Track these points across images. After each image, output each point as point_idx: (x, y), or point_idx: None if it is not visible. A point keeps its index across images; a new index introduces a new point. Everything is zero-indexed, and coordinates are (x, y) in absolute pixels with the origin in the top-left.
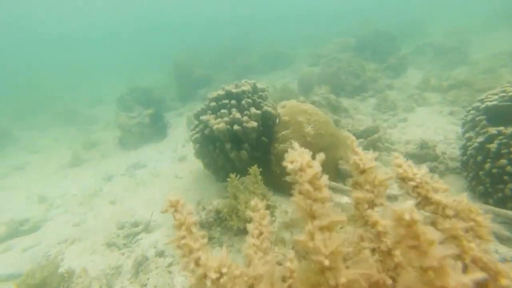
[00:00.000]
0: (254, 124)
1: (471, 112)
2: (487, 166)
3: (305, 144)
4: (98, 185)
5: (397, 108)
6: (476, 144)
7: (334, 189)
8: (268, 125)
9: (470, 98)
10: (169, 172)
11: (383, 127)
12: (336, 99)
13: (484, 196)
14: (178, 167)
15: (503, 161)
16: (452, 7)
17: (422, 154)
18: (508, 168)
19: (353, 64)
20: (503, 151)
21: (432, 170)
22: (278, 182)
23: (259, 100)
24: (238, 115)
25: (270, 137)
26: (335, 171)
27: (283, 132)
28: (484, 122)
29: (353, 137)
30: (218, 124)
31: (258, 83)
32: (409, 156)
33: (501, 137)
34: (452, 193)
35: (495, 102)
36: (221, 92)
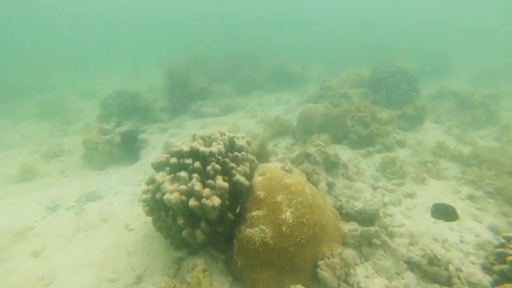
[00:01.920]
0: (215, 202)
1: (498, 258)
2: None
3: (279, 236)
4: (35, 218)
5: (405, 176)
6: None
7: None
8: (238, 197)
9: (498, 184)
10: (122, 217)
11: (382, 208)
12: (336, 155)
13: None
14: (135, 212)
15: None
16: (486, 44)
17: (431, 272)
18: None
19: (362, 109)
20: None
21: None
22: (238, 274)
23: (231, 164)
24: (198, 187)
25: (238, 213)
26: (312, 274)
27: (253, 213)
28: None
29: None
30: (171, 193)
31: (238, 139)
32: (413, 267)
33: None
34: None
35: None
36: (185, 148)
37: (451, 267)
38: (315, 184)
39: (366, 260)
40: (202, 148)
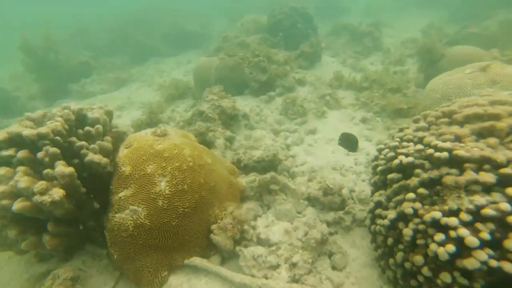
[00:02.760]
0: (57, 195)
1: (382, 159)
2: (399, 256)
3: (156, 213)
4: None
5: (306, 114)
6: (387, 222)
7: (199, 271)
8: (105, 180)
9: (383, 102)
10: None
11: (285, 150)
12: (233, 107)
13: (392, 284)
14: None
15: (419, 259)
16: None
17: (326, 202)
18: (425, 269)
19: (258, 53)
20: (418, 242)
21: (336, 223)
22: (119, 268)
23: (80, 143)
24: (24, 183)
25: (103, 199)
26: (208, 241)
27: (120, 194)
28: (397, 187)
29: None
30: None
31: (92, 110)
32: (312, 201)
33: (417, 221)
34: None
35: (411, 159)
36: (3, 135)
37: (344, 192)
38: (211, 142)
39: (269, 208)
40: (26, 132)
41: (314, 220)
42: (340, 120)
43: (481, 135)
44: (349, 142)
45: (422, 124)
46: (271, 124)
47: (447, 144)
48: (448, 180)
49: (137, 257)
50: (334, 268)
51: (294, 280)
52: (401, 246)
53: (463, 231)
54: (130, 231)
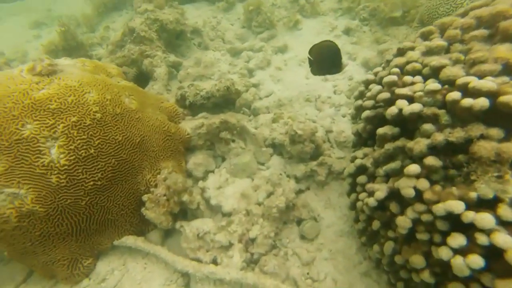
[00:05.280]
0: None
1: (369, 98)
2: (388, 247)
3: (50, 193)
4: None
5: (274, 26)
6: (372, 202)
7: (136, 251)
8: None
9: (371, 5)
10: None
11: (245, 77)
12: (177, 20)
13: (375, 263)
14: None
15: (418, 260)
16: None
17: (295, 152)
18: (425, 274)
19: None
20: (419, 236)
21: (307, 177)
22: (24, 264)
23: None
24: None
25: None
26: (139, 214)
27: None
28: (391, 149)
29: None
30: None
31: None
32: (277, 148)
33: (421, 209)
34: None
35: (417, 108)
36: None
37: (317, 135)
38: (148, 72)
39: (224, 160)
40: None
41: (279, 176)
42: (317, 32)
43: None
44: (325, 60)
45: (438, 41)
46: (231, 41)
47: (487, 83)
48: (483, 148)
49: (39, 251)
50: (303, 238)
51: (252, 261)
52: (391, 234)
53: (503, 239)
54: (14, 222)
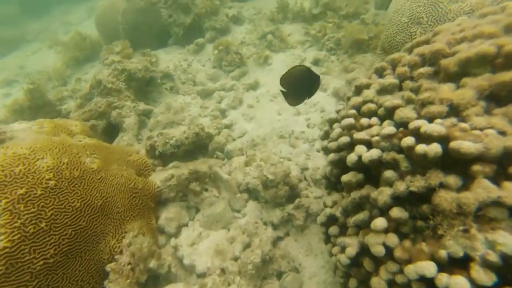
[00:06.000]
0: None
1: (333, 139)
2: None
3: None
4: None
5: (245, 63)
6: (344, 260)
7: None
8: None
9: (337, 35)
10: None
11: (217, 118)
12: (146, 67)
13: None
14: None
15: None
16: None
17: (269, 197)
18: None
19: None
20: None
21: (285, 222)
22: None
23: None
24: None
25: None
26: None
27: None
28: (357, 198)
29: None
30: None
31: None
32: (252, 193)
33: (394, 269)
34: None
35: (376, 154)
36: None
37: (292, 176)
38: (117, 125)
39: (198, 211)
40: None
41: (255, 224)
42: (287, 65)
43: (496, 99)
44: (299, 87)
45: (390, 79)
46: (202, 82)
47: (436, 127)
48: (444, 200)
49: None
50: None
51: None
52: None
53: None
54: None
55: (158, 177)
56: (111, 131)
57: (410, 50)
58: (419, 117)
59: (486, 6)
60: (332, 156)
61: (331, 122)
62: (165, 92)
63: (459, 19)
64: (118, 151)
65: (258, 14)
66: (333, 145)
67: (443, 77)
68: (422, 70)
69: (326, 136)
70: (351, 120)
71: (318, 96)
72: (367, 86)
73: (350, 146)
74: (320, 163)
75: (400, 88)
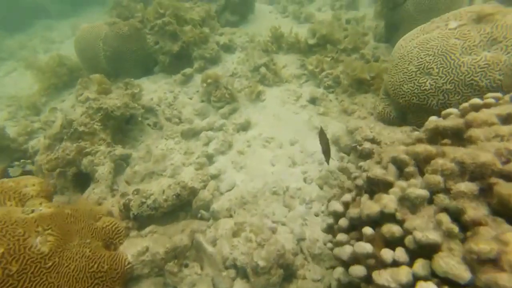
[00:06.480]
0: None
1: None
2: None
3: None
4: None
5: (235, 99)
6: None
7: None
8: None
9: (335, 72)
10: None
11: (204, 166)
12: (125, 105)
13: None
14: None
15: None
16: None
17: (260, 285)
18: None
19: (164, 11)
20: None
21: None
22: None
23: None
24: None
25: None
26: None
27: None
28: None
29: None
30: None
31: None
32: (241, 270)
33: None
34: None
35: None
36: None
37: (287, 255)
38: (90, 173)
39: None
40: None
41: None
42: (282, 102)
43: None
44: (327, 145)
45: (418, 190)
46: (189, 118)
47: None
48: None
49: None
50: None
51: None
52: None
53: None
54: None
55: (130, 250)
56: (81, 180)
57: (433, 132)
58: (473, 276)
59: (502, 62)
60: (340, 275)
61: (336, 215)
62: (148, 129)
63: (490, 96)
64: (84, 217)
65: (251, 43)
66: (341, 254)
67: (497, 207)
68: (463, 187)
69: (329, 230)
70: (367, 248)
71: (316, 144)
72: (386, 185)
73: (366, 280)
74: (318, 234)
75: (430, 200)
